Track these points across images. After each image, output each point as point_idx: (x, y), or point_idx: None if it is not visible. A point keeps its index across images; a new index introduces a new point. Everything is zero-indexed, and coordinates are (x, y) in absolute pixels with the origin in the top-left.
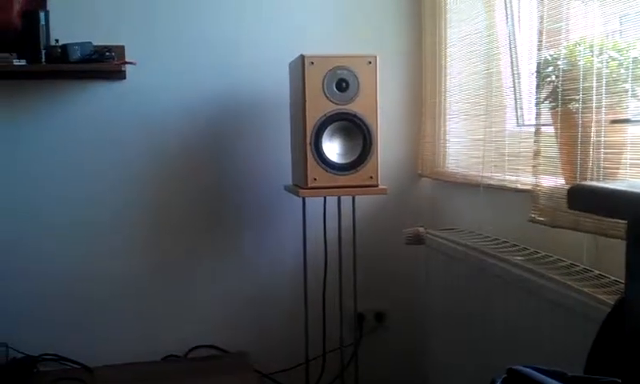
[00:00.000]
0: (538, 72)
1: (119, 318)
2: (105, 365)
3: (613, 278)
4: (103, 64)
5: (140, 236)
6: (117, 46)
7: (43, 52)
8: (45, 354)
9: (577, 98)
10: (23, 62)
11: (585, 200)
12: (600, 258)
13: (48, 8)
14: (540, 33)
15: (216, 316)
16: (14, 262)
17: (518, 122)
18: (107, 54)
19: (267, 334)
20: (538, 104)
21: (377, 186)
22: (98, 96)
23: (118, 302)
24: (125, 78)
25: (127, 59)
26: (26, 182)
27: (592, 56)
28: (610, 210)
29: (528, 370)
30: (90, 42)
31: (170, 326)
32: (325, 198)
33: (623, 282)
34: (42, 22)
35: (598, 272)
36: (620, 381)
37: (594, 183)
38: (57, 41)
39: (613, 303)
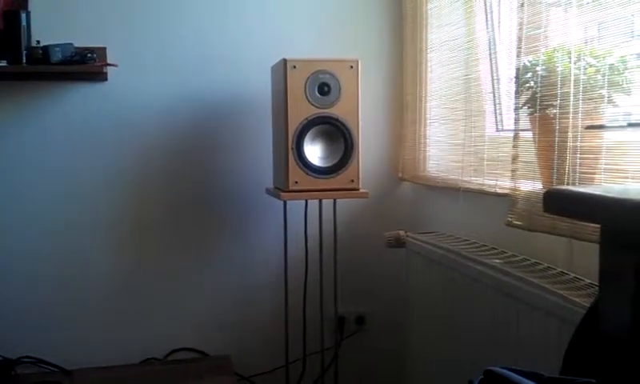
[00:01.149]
0: (516, 78)
1: (98, 321)
2: (83, 367)
3: (588, 280)
4: (85, 66)
5: (120, 238)
6: (98, 48)
7: (24, 53)
8: (23, 356)
9: (555, 103)
10: (4, 63)
11: (560, 204)
12: (576, 262)
13: (29, 9)
14: (519, 39)
15: (196, 318)
16: None
17: (497, 127)
18: (89, 55)
19: (248, 337)
20: (516, 109)
21: (358, 189)
22: (80, 98)
23: (96, 305)
24: (106, 79)
25: (109, 61)
26: (7, 183)
27: (570, 62)
28: (584, 213)
29: (504, 370)
30: (71, 44)
31: (149, 329)
32: (306, 201)
33: (598, 284)
34: (23, 23)
35: (573, 275)
36: (595, 381)
37: (569, 187)
38: (38, 42)
39: (588, 306)
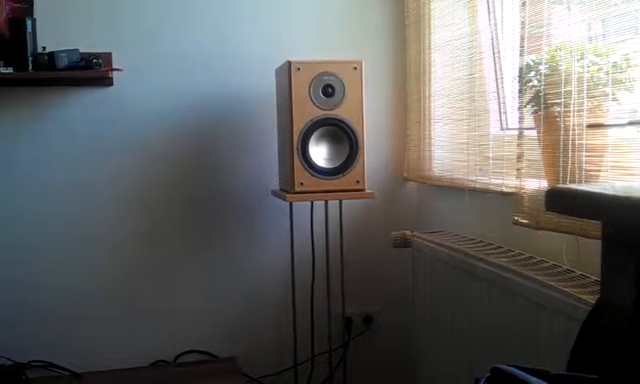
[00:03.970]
0: (520, 76)
1: (108, 324)
2: (93, 371)
3: (594, 277)
4: (90, 71)
5: (127, 242)
6: (104, 53)
7: (30, 59)
8: (33, 360)
9: (558, 101)
10: (10, 70)
11: (561, 202)
12: (582, 259)
13: (35, 16)
14: (522, 38)
15: (204, 321)
16: (1, 270)
17: (501, 126)
18: (94, 60)
19: (256, 339)
20: (520, 108)
21: (363, 190)
22: (85, 103)
23: (106, 308)
24: (112, 84)
25: (114, 66)
26: (12, 188)
27: (572, 61)
28: (586, 211)
29: (511, 368)
30: (76, 49)
31: (158, 332)
32: (312, 202)
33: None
34: (29, 30)
35: (580, 272)
36: (597, 377)
37: (570, 186)
38: (44, 48)
39: (594, 302)
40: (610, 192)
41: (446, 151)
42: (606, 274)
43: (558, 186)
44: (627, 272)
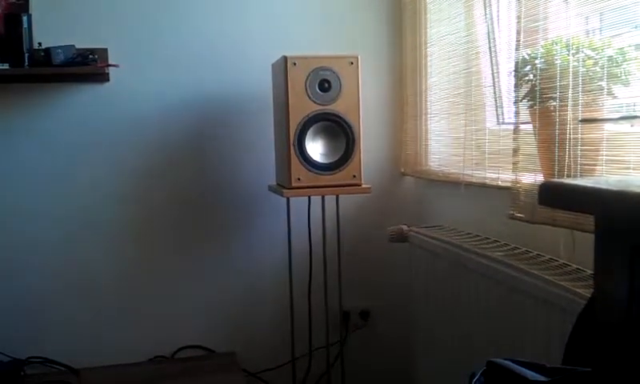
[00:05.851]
0: (516, 71)
1: (105, 320)
2: (91, 366)
3: (590, 271)
4: (86, 67)
5: (125, 238)
6: (100, 49)
7: (26, 56)
8: (31, 356)
9: (554, 96)
10: (6, 66)
11: (554, 196)
12: (578, 253)
13: (30, 11)
14: (518, 32)
15: (202, 316)
16: None
17: (497, 121)
18: (90, 56)
19: (254, 334)
20: (516, 102)
21: (360, 184)
22: (82, 99)
23: (104, 304)
24: (108, 80)
25: (110, 62)
26: (10, 185)
27: (568, 55)
28: (579, 205)
29: (507, 362)
30: (72, 45)
31: (156, 327)
32: (309, 197)
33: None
34: (25, 26)
35: (575, 266)
36: (590, 370)
37: (563, 180)
38: (40, 44)
39: (589, 296)
40: (603, 186)
41: (442, 146)
42: (600, 267)
43: (550, 180)
44: (620, 265)
